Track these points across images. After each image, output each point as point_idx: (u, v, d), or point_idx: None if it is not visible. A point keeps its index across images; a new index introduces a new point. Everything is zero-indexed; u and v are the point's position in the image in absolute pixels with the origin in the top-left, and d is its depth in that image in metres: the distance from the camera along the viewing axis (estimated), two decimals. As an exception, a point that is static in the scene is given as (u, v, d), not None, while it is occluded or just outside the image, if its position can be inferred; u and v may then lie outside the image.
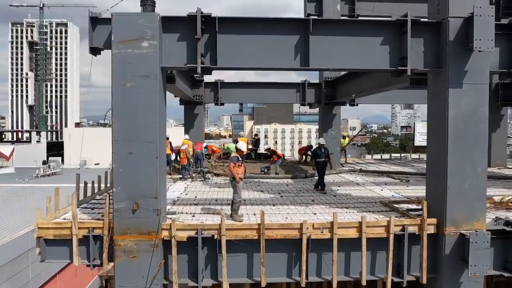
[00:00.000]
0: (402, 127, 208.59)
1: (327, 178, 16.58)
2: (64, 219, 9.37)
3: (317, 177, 13.82)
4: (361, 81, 14.43)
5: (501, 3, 18.21)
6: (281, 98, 21.00)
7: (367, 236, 8.71)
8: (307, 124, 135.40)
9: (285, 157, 21.75)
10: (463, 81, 8.59)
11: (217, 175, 16.74)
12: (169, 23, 8.56)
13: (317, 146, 13.96)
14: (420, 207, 10.47)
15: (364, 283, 8.83)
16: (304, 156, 21.25)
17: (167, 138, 18.25)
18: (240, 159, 9.57)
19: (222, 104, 20.51)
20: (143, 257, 8.39)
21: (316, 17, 18.72)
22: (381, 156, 35.02)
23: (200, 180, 15.82)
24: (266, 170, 17.69)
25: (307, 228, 8.62)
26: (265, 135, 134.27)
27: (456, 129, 8.62)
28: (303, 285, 8.78)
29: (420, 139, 72.99)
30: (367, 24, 8.96)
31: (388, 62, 8.92)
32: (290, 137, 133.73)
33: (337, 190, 13.66)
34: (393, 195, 12.63)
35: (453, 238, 8.72)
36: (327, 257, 8.90)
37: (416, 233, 8.89)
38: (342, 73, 17.73)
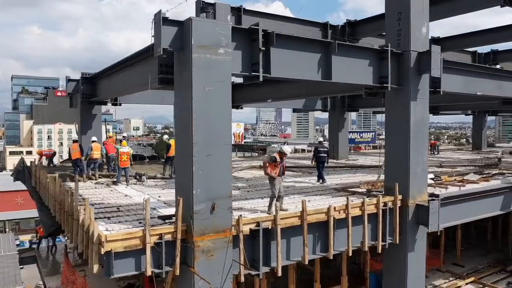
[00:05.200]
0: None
1: (243, 174, 18.53)
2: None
3: None
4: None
5: (346, 30, 23.69)
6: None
7: (367, 213, 11.33)
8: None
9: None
10: (417, 96, 12.15)
11: (154, 177, 16.39)
12: (229, 32, 9.12)
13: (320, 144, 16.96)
14: (364, 190, 13.84)
15: (366, 249, 11.44)
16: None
17: (77, 141, 16.68)
18: (278, 160, 10.63)
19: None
20: (219, 254, 8.80)
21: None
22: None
23: (135, 183, 15.33)
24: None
25: (332, 211, 10.63)
26: (48, 136, 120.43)
27: (414, 130, 12.12)
28: (330, 257, 10.76)
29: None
30: (360, 49, 11.53)
31: (371, 79, 11.72)
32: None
33: (277, 183, 15.76)
34: (327, 184, 15.61)
35: (412, 208, 12.21)
36: (338, 233, 11.07)
37: (391, 207, 12.02)
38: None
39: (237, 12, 21.88)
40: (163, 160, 18.75)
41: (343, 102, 25.10)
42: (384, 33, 25.16)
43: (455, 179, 15.89)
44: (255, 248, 9.57)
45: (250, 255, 9.61)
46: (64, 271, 15.50)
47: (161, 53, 8.38)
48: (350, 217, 10.94)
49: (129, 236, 8.16)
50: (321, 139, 19.54)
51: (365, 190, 13.78)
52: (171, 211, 10.63)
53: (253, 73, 9.34)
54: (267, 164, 10.61)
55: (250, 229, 9.45)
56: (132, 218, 9.91)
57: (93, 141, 16.67)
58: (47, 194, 14.69)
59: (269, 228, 9.70)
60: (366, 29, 23.75)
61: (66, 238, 19.69)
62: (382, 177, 14.35)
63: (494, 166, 20.57)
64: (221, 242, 8.82)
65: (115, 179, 15.36)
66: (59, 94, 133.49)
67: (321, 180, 15.74)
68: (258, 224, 9.52)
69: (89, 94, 17.50)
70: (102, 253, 7.90)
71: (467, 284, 16.38)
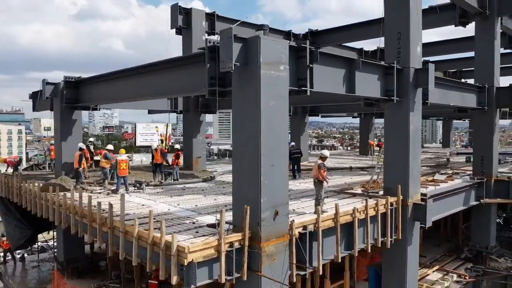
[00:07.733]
0: (104, 127, 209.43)
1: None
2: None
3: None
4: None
5: (308, 39, 25.18)
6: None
7: (380, 213, 12.60)
8: (6, 124, 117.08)
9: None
10: (414, 107, 13.72)
11: (147, 184, 16.11)
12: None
13: (292, 147, 19.85)
14: (359, 191, 15.18)
15: (379, 245, 12.68)
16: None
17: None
18: (325, 165, 11.52)
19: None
20: (279, 257, 9.40)
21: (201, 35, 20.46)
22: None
23: (134, 191, 15.09)
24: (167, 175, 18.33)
25: (356, 213, 11.71)
26: None
27: (412, 137, 13.67)
28: (355, 254, 11.82)
29: (141, 139, 77.47)
30: (373, 65, 12.75)
31: (379, 92, 13.01)
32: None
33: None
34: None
35: (410, 207, 13.75)
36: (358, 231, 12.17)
37: (395, 207, 13.42)
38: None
39: (211, 17, 22.46)
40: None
41: (305, 107, 26.53)
42: (343, 44, 27.23)
43: (426, 179, 17.92)
44: (302, 250, 10.26)
45: (297, 256, 10.30)
46: (56, 285, 14.70)
47: (233, 68, 8.73)
48: (369, 217, 12.12)
49: (206, 246, 8.42)
50: (293, 143, 21.61)
51: (360, 191, 15.12)
52: (207, 218, 10.97)
53: (301, 88, 10.02)
54: (319, 170, 11.48)
55: (299, 232, 10.14)
56: (182, 228, 10.04)
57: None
58: (43, 204, 13.90)
59: (312, 230, 10.47)
60: (327, 38, 25.43)
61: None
62: (374, 177, 15.90)
63: (444, 166, 23.33)
64: (281, 246, 9.43)
65: (114, 188, 14.95)
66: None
67: (297, 176, 19.04)
68: (305, 227, 10.25)
69: (72, 98, 16.70)
70: (185, 264, 8.08)
71: (433, 272, 18.51)
